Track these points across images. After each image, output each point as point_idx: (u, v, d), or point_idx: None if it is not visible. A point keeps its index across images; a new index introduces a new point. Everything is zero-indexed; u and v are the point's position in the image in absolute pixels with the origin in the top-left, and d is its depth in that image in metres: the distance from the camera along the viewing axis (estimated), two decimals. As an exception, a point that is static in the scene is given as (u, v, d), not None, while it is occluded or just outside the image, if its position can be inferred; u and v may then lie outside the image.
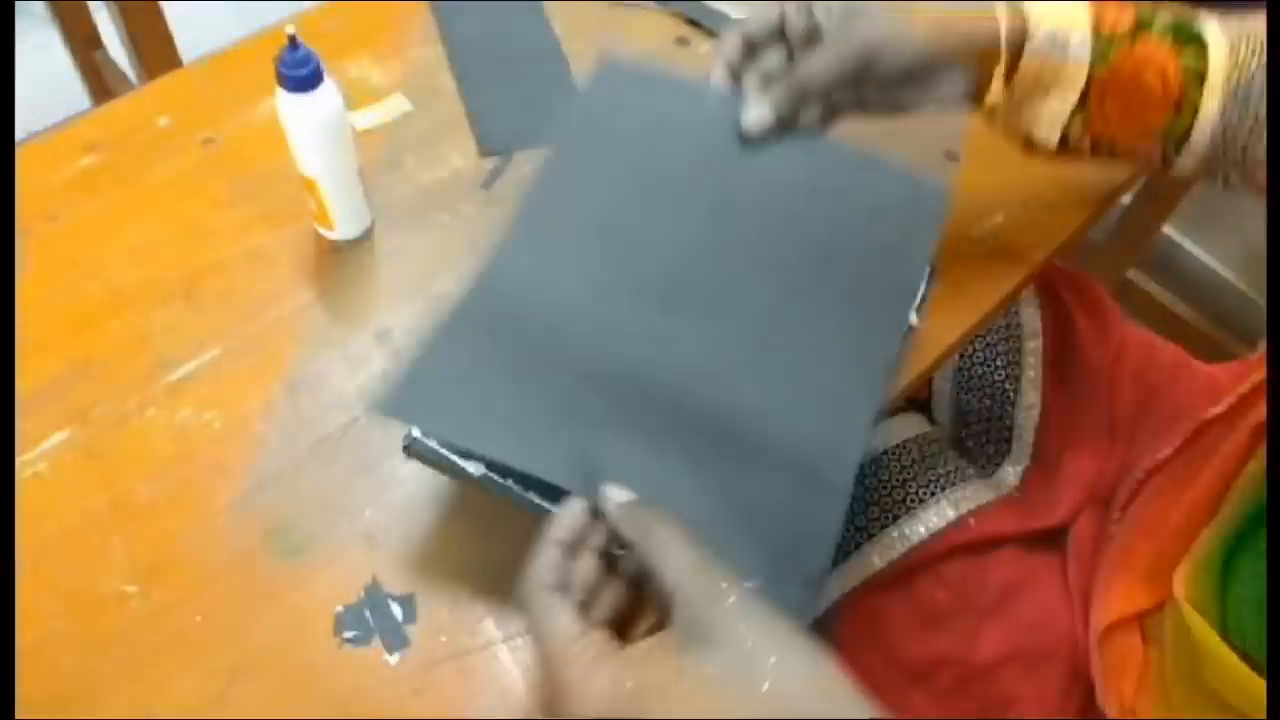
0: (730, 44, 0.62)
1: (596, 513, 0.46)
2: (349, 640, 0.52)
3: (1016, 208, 0.69)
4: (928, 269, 0.61)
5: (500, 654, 0.52)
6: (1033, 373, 0.79)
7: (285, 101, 0.57)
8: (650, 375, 0.54)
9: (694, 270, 0.57)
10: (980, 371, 0.81)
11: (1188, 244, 1.50)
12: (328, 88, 0.57)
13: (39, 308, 0.62)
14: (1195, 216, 1.44)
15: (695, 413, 0.53)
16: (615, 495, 0.46)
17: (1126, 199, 1.30)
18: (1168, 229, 1.47)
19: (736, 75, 0.62)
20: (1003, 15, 0.56)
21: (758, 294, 0.57)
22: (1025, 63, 0.57)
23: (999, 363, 0.80)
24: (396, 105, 0.73)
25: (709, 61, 0.62)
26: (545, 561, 0.44)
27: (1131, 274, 1.47)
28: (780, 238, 0.59)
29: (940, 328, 0.64)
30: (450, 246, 0.66)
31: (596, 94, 0.63)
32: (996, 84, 0.58)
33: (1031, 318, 0.81)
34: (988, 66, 0.57)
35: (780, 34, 0.61)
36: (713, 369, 0.55)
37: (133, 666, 0.51)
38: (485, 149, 0.71)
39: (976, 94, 0.59)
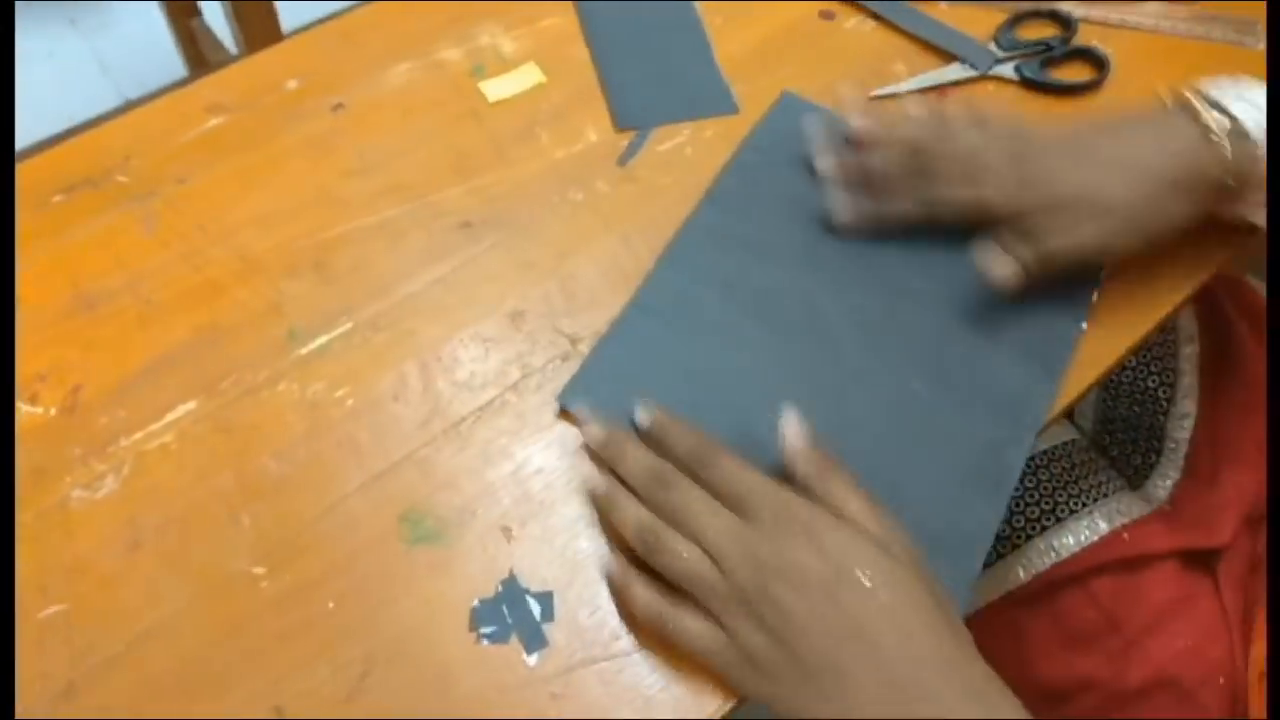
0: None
1: None
2: (486, 636, 0.49)
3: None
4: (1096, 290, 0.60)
5: (644, 662, 0.49)
6: (1188, 379, 0.74)
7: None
8: (818, 378, 0.56)
9: (860, 283, 0.59)
10: (1130, 377, 0.76)
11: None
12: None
13: (165, 271, 0.59)
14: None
15: (862, 411, 0.55)
16: (794, 431, 0.49)
17: None
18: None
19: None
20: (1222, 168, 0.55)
21: (924, 311, 0.58)
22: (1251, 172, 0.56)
23: (1152, 368, 0.75)
24: (529, 75, 0.69)
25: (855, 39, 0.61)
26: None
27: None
28: (948, 265, 0.60)
29: (1109, 336, 0.59)
30: (585, 225, 0.63)
31: (771, 129, 0.67)
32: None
33: (1189, 321, 0.75)
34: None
35: None
36: (881, 372, 0.56)
37: (261, 653, 0.48)
38: (621, 124, 0.67)
39: None
